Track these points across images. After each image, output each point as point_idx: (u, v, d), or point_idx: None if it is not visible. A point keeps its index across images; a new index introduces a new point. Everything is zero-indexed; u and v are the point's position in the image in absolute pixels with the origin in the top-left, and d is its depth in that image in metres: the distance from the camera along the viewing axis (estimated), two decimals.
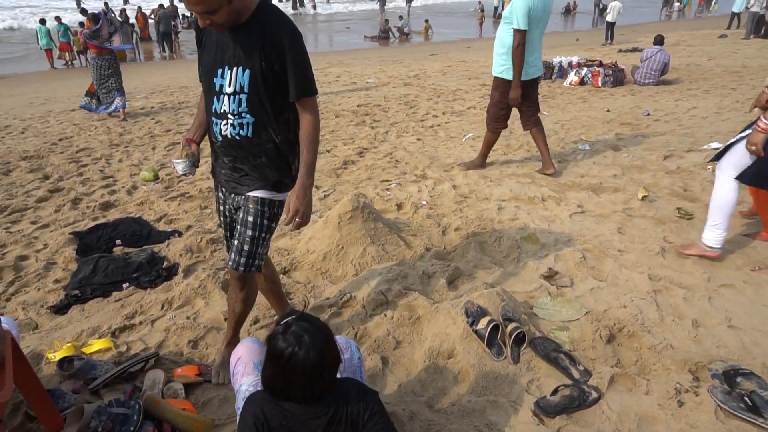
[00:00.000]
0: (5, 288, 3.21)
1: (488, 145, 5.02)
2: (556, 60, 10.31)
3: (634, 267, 3.19)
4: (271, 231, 2.26)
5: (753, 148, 2.91)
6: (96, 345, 2.64)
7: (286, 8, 31.29)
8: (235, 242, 2.22)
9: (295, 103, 2.06)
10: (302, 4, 30.89)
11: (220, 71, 2.03)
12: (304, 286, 3.11)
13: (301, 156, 2.09)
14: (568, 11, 30.90)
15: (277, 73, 1.99)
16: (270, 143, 2.11)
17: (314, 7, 31.48)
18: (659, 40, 9.16)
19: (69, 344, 2.61)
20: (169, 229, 3.97)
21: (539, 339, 2.50)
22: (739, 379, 2.19)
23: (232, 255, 2.22)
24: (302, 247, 3.53)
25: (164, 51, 18.77)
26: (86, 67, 12.25)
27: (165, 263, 3.46)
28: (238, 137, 2.09)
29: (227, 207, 2.34)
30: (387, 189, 4.61)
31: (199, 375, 2.38)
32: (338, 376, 1.77)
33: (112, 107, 8.16)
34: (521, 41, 4.33)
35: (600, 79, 9.11)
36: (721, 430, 2.00)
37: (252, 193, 2.17)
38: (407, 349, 2.52)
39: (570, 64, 10.04)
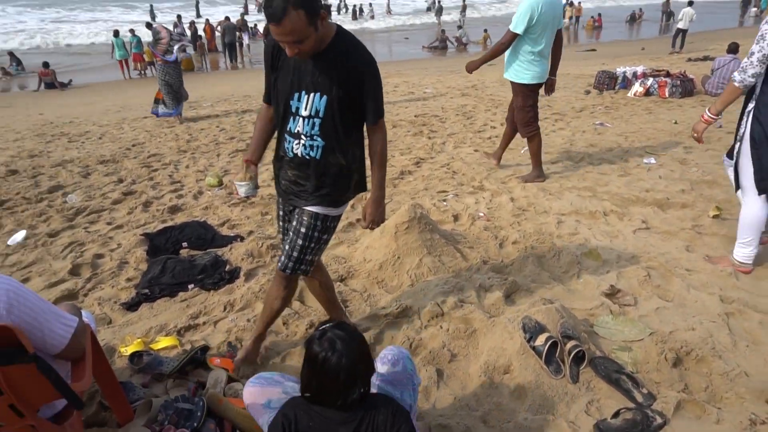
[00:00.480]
0: (84, 284, 3.43)
1: (535, 153, 4.97)
2: (619, 70, 9.99)
3: (703, 287, 3.04)
4: (322, 242, 2.36)
5: (695, 135, 3.25)
6: (163, 342, 2.78)
7: (345, 19, 31.92)
8: (286, 246, 2.34)
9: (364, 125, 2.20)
10: (361, 14, 31.42)
11: (297, 95, 2.13)
12: (360, 294, 3.15)
13: (372, 171, 2.24)
14: (633, 19, 29.91)
15: (353, 99, 2.10)
16: (336, 166, 2.22)
17: (372, 17, 31.92)
18: (733, 49, 8.72)
19: (139, 340, 2.75)
20: (232, 234, 4.12)
21: (600, 359, 2.43)
22: None
23: (282, 257, 2.35)
24: (359, 256, 3.58)
25: (229, 61, 19.54)
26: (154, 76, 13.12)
27: (227, 266, 3.59)
28: (307, 157, 2.19)
29: (284, 212, 2.47)
30: (444, 200, 4.61)
31: (236, 371, 2.48)
32: (388, 387, 1.79)
33: (173, 111, 8.99)
34: (509, 41, 4.50)
35: (667, 89, 8.75)
36: None
37: (308, 207, 2.27)
38: (462, 363, 2.50)
39: (635, 74, 9.71)
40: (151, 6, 31.20)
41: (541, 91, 4.85)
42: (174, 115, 9.03)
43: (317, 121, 2.11)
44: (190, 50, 8.93)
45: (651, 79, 9.04)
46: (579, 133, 6.78)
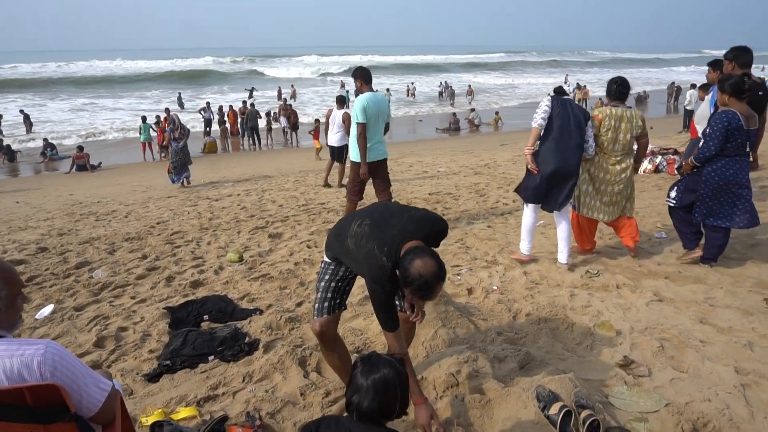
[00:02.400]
0: (107, 356, 3.53)
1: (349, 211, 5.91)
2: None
3: (718, 359, 3.05)
4: None
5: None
6: (183, 412, 2.84)
7: None
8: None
9: None
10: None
11: None
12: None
13: None
14: (640, 100, 30.97)
15: None
16: None
17: (389, 102, 33.47)
18: None
19: (160, 410, 2.82)
20: (251, 307, 4.24)
21: (615, 429, 2.43)
22: None
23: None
24: (375, 328, 3.65)
25: (252, 143, 20.46)
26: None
27: (247, 338, 3.68)
28: None
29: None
30: (458, 274, 4.71)
31: None
32: None
33: (182, 178, 11.81)
34: (362, 132, 5.58)
35: (676, 166, 8.97)
36: None
37: None
38: (479, 431, 2.52)
39: (693, 151, 9.96)
40: (179, 94, 33.36)
41: None
42: (183, 181, 11.86)
43: None
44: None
45: (660, 157, 9.30)
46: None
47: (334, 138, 9.96)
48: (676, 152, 9.45)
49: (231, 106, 22.71)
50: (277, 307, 4.16)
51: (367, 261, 2.28)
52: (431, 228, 2.35)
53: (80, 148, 16.89)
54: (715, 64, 5.57)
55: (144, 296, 4.70)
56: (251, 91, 35.81)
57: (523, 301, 4.05)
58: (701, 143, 4.30)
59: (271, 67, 65.62)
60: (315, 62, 77.36)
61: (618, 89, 4.62)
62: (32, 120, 24.42)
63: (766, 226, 5.60)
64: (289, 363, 3.23)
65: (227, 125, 21.82)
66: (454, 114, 24.34)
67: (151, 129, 18.52)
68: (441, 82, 38.95)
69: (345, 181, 10.49)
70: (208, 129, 21.91)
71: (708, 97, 5.75)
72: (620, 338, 3.36)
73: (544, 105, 4.47)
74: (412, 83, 41.27)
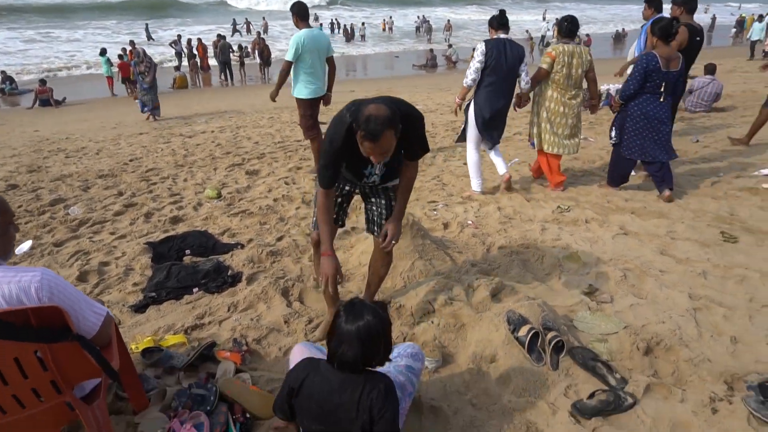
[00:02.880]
0: (92, 289, 3.60)
1: (316, 151, 6.11)
2: (603, 87, 10.35)
3: (674, 286, 3.29)
4: None
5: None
6: (172, 340, 2.96)
7: (339, 39, 32.43)
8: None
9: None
10: (353, 36, 32.03)
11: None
12: (357, 295, 3.36)
13: (399, 194, 2.65)
14: (618, 38, 30.74)
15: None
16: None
17: (363, 36, 32.52)
18: (711, 70, 9.11)
19: (149, 338, 2.93)
20: (233, 242, 4.32)
21: (578, 348, 2.65)
22: None
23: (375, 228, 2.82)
24: (354, 260, 3.79)
25: (225, 79, 19.83)
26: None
27: (230, 271, 3.78)
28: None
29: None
30: (434, 209, 4.84)
31: (243, 363, 2.67)
32: (400, 376, 2.01)
33: (150, 109, 11.85)
34: (286, 68, 5.75)
35: (603, 104, 9.12)
36: None
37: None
38: (453, 352, 2.71)
39: (618, 91, 10.05)
40: (147, 25, 31.86)
41: None
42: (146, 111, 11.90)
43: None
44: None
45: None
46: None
47: None
48: None
49: (200, 39, 21.81)
50: (257, 242, 4.25)
51: (332, 122, 2.39)
52: (403, 108, 2.33)
53: (42, 81, 16.17)
54: (651, 1, 5.58)
55: (123, 232, 4.72)
56: (234, 24, 34.12)
57: (497, 235, 4.22)
58: (625, 81, 4.79)
59: None
60: None
61: (568, 27, 4.86)
62: None
63: (728, 166, 5.84)
64: (272, 293, 3.36)
65: (197, 59, 21.03)
66: (431, 50, 23.87)
67: (110, 63, 17.72)
68: (418, 17, 37.88)
69: (323, 118, 10.39)
70: (179, 63, 21.10)
71: (635, 44, 6.02)
72: (587, 269, 3.57)
73: (477, 61, 4.68)
74: (390, 17, 40.04)
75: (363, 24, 33.83)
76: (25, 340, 1.56)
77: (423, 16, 37.63)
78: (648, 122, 4.68)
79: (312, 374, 1.83)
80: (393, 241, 2.61)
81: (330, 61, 5.93)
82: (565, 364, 2.57)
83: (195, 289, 3.55)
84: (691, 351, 2.62)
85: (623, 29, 32.37)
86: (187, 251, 4.15)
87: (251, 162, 7.14)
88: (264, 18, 35.77)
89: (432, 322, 2.88)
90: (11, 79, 18.27)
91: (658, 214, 4.49)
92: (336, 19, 37.99)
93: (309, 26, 5.70)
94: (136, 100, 12.17)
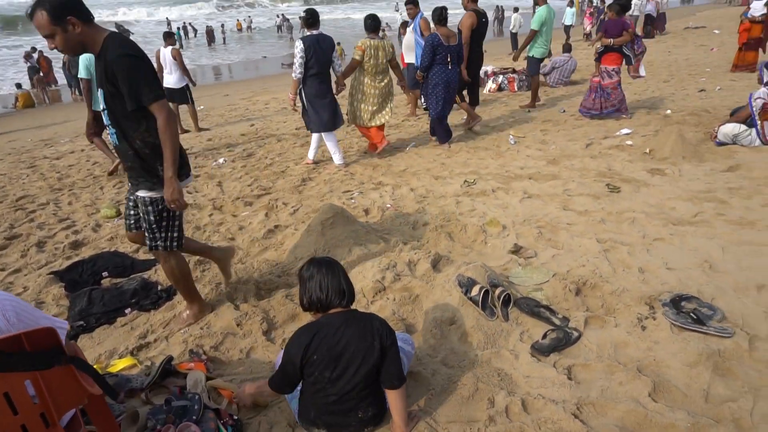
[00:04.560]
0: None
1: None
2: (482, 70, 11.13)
3: (583, 235, 3.73)
4: (168, 219, 2.79)
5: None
6: (120, 364, 2.78)
7: (201, 43, 30.91)
8: (146, 232, 2.82)
9: (151, 112, 2.48)
10: (213, 40, 30.77)
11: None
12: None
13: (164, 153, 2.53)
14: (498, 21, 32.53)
15: (118, 90, 2.44)
16: (130, 150, 2.60)
17: (225, 40, 31.45)
18: (567, 49, 10.18)
19: (95, 366, 2.73)
20: (151, 257, 4.08)
21: (522, 299, 2.93)
22: (683, 303, 2.73)
23: (148, 241, 2.83)
24: (289, 256, 3.79)
25: (78, 94, 18.08)
26: None
27: (159, 287, 3.60)
28: (115, 144, 2.68)
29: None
30: (351, 198, 4.96)
31: (207, 371, 2.62)
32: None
33: None
34: (86, 86, 6.06)
35: (516, 84, 9.97)
36: (676, 340, 2.51)
37: (138, 193, 2.72)
38: (413, 323, 2.87)
39: (486, 73, 10.87)
40: None
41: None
42: None
43: (106, 111, 2.56)
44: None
45: (501, 77, 10.22)
46: (451, 127, 7.52)
47: (170, 80, 8.84)
48: (514, 71, 10.44)
49: (41, 52, 19.66)
50: None
51: None
52: (116, 37, 2.46)
53: None
54: (413, 3, 7.24)
55: (16, 266, 4.24)
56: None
57: (417, 214, 4.45)
58: (420, 58, 6.14)
59: None
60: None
61: (372, 24, 5.85)
62: None
63: (595, 130, 6.62)
64: (215, 299, 3.27)
65: (41, 74, 18.96)
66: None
67: None
68: (278, 16, 37.42)
69: (202, 124, 9.98)
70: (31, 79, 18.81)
71: (410, 29, 7.62)
72: (506, 231, 3.92)
73: (299, 57, 5.43)
74: (249, 16, 39.10)
75: (222, 26, 32.63)
76: (26, 369, 1.44)
77: (283, 14, 37.26)
78: (445, 86, 6.00)
79: (317, 331, 1.99)
80: (172, 204, 2.61)
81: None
82: (514, 315, 2.84)
83: (127, 310, 3.34)
84: (611, 285, 3.02)
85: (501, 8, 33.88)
86: (104, 273, 3.86)
87: None
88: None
89: (387, 299, 3.01)
90: None
91: (552, 177, 5.02)
92: (190, 24, 36.21)
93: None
94: None
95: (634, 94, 8.57)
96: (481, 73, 10.87)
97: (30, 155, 9.12)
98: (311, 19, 5.55)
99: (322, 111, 5.62)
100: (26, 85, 18.45)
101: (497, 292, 2.86)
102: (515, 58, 8.32)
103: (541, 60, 8.03)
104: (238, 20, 37.85)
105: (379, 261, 3.40)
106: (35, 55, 19.41)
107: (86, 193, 6.20)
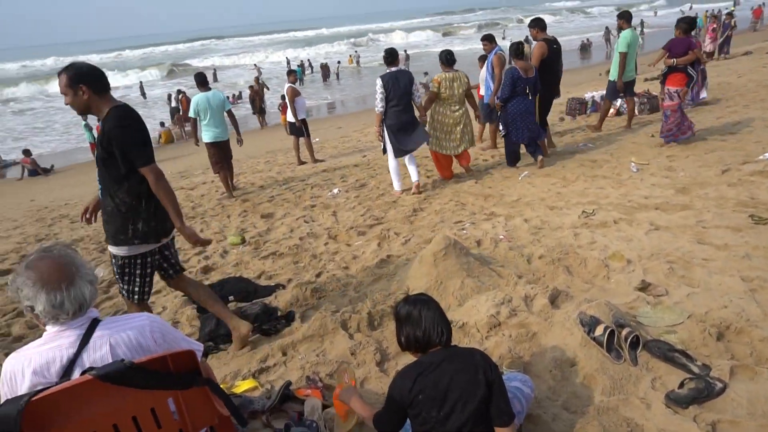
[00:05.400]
0: None
1: (225, 179, 8.00)
2: (588, 95, 10.67)
3: (723, 272, 3.36)
4: (128, 274, 3.04)
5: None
6: (243, 385, 2.94)
7: (315, 78, 32.92)
8: None
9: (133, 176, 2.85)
10: (328, 76, 32.54)
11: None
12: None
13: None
14: (584, 48, 31.64)
15: (110, 155, 2.79)
16: (110, 206, 2.89)
17: (338, 76, 33.06)
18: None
19: (222, 386, 2.91)
20: (272, 284, 4.32)
21: (653, 341, 2.69)
22: None
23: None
24: (401, 287, 3.81)
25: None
26: None
27: (279, 312, 3.78)
28: (99, 199, 3.07)
29: None
30: (462, 228, 4.91)
31: (323, 399, 2.66)
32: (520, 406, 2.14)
33: None
34: (193, 123, 7.99)
35: (636, 107, 9.38)
36: None
37: (108, 247, 3.02)
38: (531, 362, 2.74)
39: (602, 97, 10.36)
40: (141, 83, 32.75)
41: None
42: None
43: (98, 170, 2.93)
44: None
45: (619, 100, 9.67)
46: (568, 155, 7.24)
47: (289, 113, 9.87)
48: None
49: (183, 92, 21.97)
50: (297, 281, 4.26)
51: None
52: (119, 109, 2.82)
53: (26, 152, 16.09)
54: (487, 38, 7.67)
55: (158, 287, 4.68)
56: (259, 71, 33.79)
57: (532, 245, 4.29)
58: (500, 90, 6.57)
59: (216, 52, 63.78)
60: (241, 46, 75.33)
61: (447, 58, 6.33)
62: None
63: (731, 154, 6.02)
64: (332, 327, 3.36)
65: (180, 112, 21.14)
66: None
67: (90, 128, 17.72)
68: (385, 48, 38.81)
69: (318, 156, 10.51)
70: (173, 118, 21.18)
71: (483, 68, 7.90)
72: (632, 266, 3.64)
73: (379, 93, 6.02)
74: (356, 51, 40.97)
75: (338, 63, 34.47)
76: (170, 388, 1.57)
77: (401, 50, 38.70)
78: (523, 116, 6.36)
79: (421, 371, 1.96)
80: (195, 244, 3.20)
81: (230, 113, 7.69)
82: (644, 359, 2.61)
83: None
84: (762, 330, 2.67)
85: (587, 39, 33.33)
86: (230, 297, 4.13)
87: (263, 205, 7.17)
88: (255, 65, 36.22)
89: (503, 335, 2.91)
90: None
91: (682, 207, 4.61)
92: (308, 60, 38.70)
93: (208, 90, 7.55)
94: None
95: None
96: (597, 97, 10.42)
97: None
98: (389, 57, 6.19)
99: (402, 139, 6.10)
100: (168, 123, 20.65)
101: (624, 332, 2.64)
102: (619, 88, 8.04)
103: (629, 83, 7.86)
104: (350, 55, 39.71)
105: (493, 295, 3.31)
106: (177, 96, 21.68)
107: (216, 221, 6.75)
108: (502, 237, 4.53)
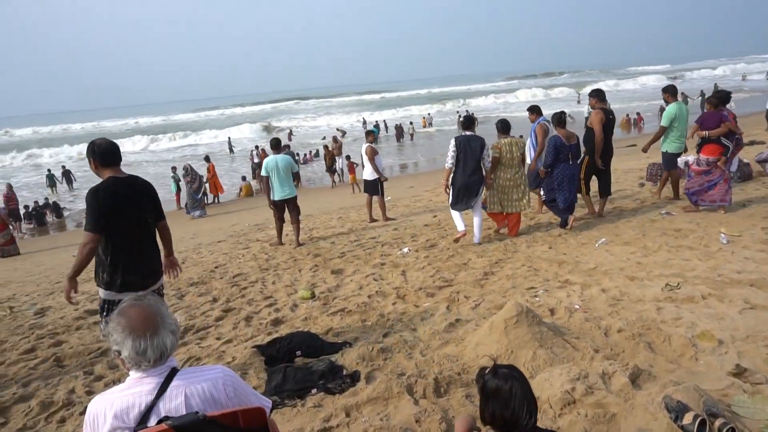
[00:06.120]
0: None
1: (279, 230, 9.16)
2: (681, 160, 10.31)
3: None
4: (104, 311, 3.62)
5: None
6: None
7: (389, 138, 33.94)
8: None
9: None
10: (402, 136, 33.49)
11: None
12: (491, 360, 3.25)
13: None
14: (628, 123, 30.39)
15: None
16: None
17: (412, 137, 33.89)
18: None
19: None
20: (339, 341, 4.32)
21: None
22: None
23: None
24: (470, 353, 3.70)
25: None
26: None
27: (344, 371, 3.76)
28: None
29: None
30: (535, 296, 4.75)
31: None
32: None
33: (192, 213, 16.39)
34: (265, 181, 8.67)
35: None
36: None
37: None
38: None
39: (686, 163, 9.93)
40: (229, 138, 36.20)
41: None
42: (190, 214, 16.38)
43: None
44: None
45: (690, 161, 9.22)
46: (648, 222, 6.92)
47: (366, 171, 10.11)
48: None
49: (263, 149, 23.26)
50: (364, 339, 4.24)
51: None
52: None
53: None
54: (532, 110, 8.28)
55: (229, 336, 4.83)
56: (343, 133, 35.60)
57: (610, 317, 4.07)
58: (545, 157, 7.23)
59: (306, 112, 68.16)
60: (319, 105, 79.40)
61: (503, 126, 7.10)
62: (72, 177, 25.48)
63: None
64: (397, 391, 3.29)
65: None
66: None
67: (177, 180, 18.99)
68: (459, 110, 39.61)
69: (389, 214, 10.65)
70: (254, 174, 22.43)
71: (529, 138, 8.33)
72: (724, 348, 3.35)
73: (451, 151, 6.77)
74: (429, 113, 42.07)
75: (411, 123, 35.42)
76: None
77: (467, 110, 39.35)
78: (569, 180, 6.93)
79: None
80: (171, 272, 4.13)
81: (296, 175, 9.21)
82: None
83: (314, 391, 3.53)
84: None
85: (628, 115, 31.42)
86: (298, 352, 4.17)
87: (333, 261, 7.30)
88: (338, 129, 38.06)
89: (578, 414, 2.73)
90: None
91: None
92: (384, 121, 40.13)
93: (279, 153, 8.52)
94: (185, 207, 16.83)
95: None
96: (681, 162, 10.00)
97: (246, 237, 10.60)
98: (466, 122, 7.06)
99: (464, 198, 6.85)
100: (249, 177, 21.83)
101: (717, 424, 2.41)
102: (644, 150, 8.61)
103: (677, 155, 8.07)
104: (423, 117, 40.76)
105: (567, 369, 3.14)
106: (258, 152, 22.98)
107: (287, 275, 6.92)
108: (577, 307, 4.33)
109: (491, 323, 3.74)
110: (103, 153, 3.46)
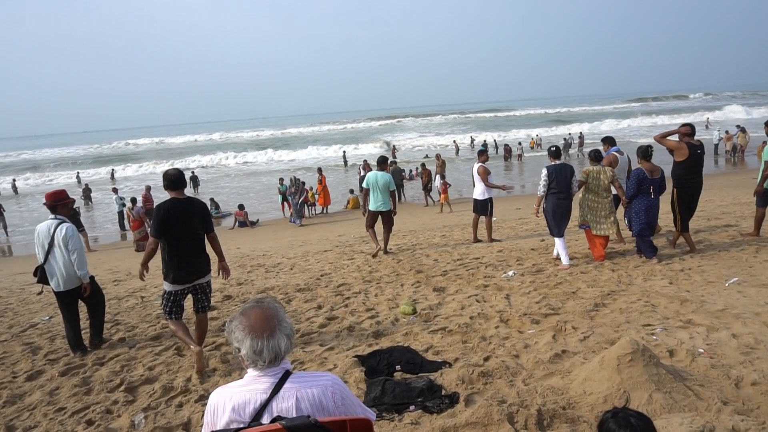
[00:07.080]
0: None
1: (373, 235, 9.63)
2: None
3: None
4: (164, 299, 4.82)
5: None
6: None
7: (497, 158, 33.38)
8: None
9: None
10: (510, 156, 32.85)
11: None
12: (589, 425, 3.06)
13: None
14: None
15: None
16: None
17: (520, 157, 33.14)
18: None
19: None
20: (439, 360, 4.29)
21: None
22: None
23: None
24: (577, 388, 3.51)
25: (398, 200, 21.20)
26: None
27: (443, 391, 3.72)
28: None
29: None
30: (652, 334, 4.40)
31: None
32: None
33: (295, 220, 17.55)
34: (366, 193, 9.55)
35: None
36: None
37: None
38: None
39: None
40: (344, 152, 37.21)
41: None
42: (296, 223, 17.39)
43: None
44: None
45: None
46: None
47: (476, 191, 10.02)
48: None
49: (367, 162, 23.87)
50: (465, 361, 4.17)
51: None
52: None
53: (241, 206, 18.73)
54: (605, 140, 8.97)
55: (331, 344, 4.98)
56: (393, 148, 37.16)
57: (741, 367, 3.66)
58: (626, 188, 7.30)
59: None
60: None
61: (594, 155, 7.47)
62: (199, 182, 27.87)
63: None
64: (497, 418, 3.20)
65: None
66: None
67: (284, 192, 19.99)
68: (569, 134, 38.27)
69: (494, 235, 10.44)
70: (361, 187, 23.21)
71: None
72: None
73: (543, 179, 7.37)
74: (537, 135, 40.92)
75: (520, 144, 34.64)
76: None
77: (570, 133, 38.12)
78: (648, 211, 6.99)
79: None
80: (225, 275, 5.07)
81: (392, 194, 9.35)
82: None
83: (412, 407, 3.53)
84: None
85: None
86: (397, 367, 4.20)
87: (435, 279, 7.28)
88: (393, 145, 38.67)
89: None
90: (217, 205, 21.49)
91: None
92: (494, 140, 39.76)
93: (384, 170, 9.32)
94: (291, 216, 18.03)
95: None
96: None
97: (351, 249, 10.91)
98: (555, 153, 7.57)
99: (558, 221, 7.31)
100: (357, 190, 22.48)
101: None
102: (755, 194, 7.96)
103: None
104: (531, 138, 39.72)
105: (690, 420, 2.86)
106: (365, 167, 23.59)
107: (390, 288, 7.01)
108: (702, 351, 3.95)
109: (602, 358, 3.52)
110: (170, 180, 4.59)
